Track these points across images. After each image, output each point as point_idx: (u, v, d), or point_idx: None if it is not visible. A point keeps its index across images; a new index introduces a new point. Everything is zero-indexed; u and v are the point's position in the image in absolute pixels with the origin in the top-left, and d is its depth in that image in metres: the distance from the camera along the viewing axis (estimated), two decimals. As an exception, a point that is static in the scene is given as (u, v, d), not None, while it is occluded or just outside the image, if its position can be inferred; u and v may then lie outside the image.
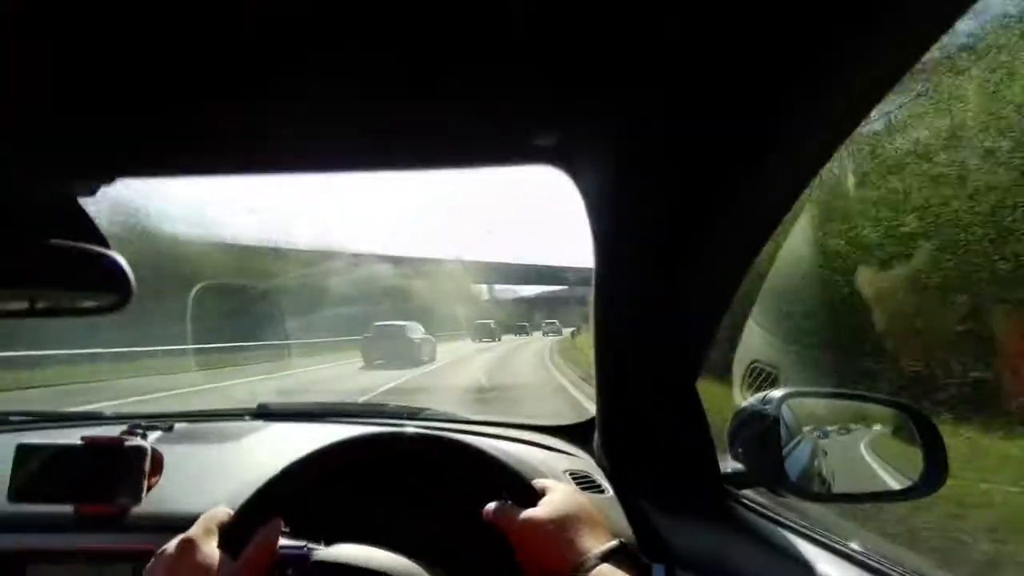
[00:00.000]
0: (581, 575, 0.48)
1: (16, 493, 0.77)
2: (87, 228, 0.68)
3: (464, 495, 0.67)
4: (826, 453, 1.03)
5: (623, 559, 0.49)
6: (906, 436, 0.84)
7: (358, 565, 0.54)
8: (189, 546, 0.51)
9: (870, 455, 1.01)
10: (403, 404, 1.19)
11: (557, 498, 0.56)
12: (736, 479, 0.81)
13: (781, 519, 0.82)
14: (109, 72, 0.42)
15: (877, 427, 0.96)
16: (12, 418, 1.07)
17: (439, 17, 0.36)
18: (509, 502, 0.58)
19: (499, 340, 24.28)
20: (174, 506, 0.79)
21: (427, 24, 0.36)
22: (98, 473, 0.78)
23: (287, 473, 0.58)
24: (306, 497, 0.63)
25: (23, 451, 0.78)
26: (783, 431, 0.85)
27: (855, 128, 0.45)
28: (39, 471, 0.78)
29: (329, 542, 0.56)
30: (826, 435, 1.03)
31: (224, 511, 0.57)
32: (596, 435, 0.89)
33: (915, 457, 0.79)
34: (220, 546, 0.53)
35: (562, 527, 0.52)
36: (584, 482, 0.82)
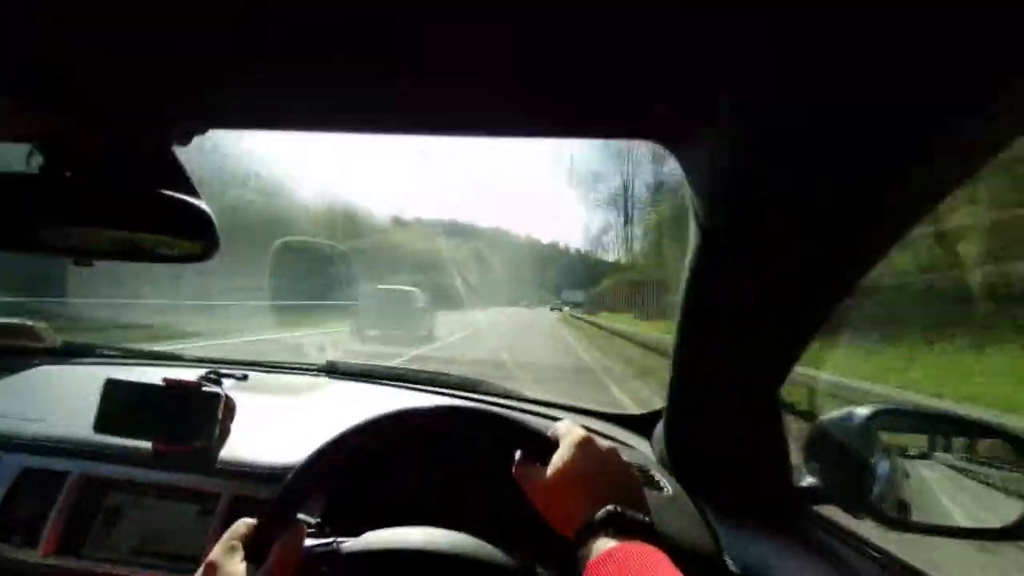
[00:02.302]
0: (581, 549, 0.45)
1: (101, 424, 0.82)
2: (179, 176, 0.69)
3: (490, 458, 0.68)
4: (908, 475, 0.94)
5: (618, 522, 0.45)
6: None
7: (391, 548, 0.52)
8: (211, 571, 0.48)
9: (961, 483, 0.92)
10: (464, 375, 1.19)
11: (561, 456, 0.53)
12: (811, 494, 0.76)
13: (855, 542, 0.77)
14: (207, 18, 0.40)
15: (976, 454, 0.86)
16: (103, 352, 1.15)
17: None
18: (526, 457, 0.56)
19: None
20: (242, 452, 0.82)
21: None
22: (176, 414, 0.81)
23: (304, 469, 0.55)
24: (333, 481, 0.60)
25: (111, 385, 0.83)
26: (867, 449, 0.79)
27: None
28: (123, 406, 0.82)
29: (364, 523, 0.54)
30: (911, 456, 0.95)
31: (246, 523, 0.53)
32: (660, 428, 0.85)
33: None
34: (247, 559, 0.50)
35: (562, 490, 0.50)
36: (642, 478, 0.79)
